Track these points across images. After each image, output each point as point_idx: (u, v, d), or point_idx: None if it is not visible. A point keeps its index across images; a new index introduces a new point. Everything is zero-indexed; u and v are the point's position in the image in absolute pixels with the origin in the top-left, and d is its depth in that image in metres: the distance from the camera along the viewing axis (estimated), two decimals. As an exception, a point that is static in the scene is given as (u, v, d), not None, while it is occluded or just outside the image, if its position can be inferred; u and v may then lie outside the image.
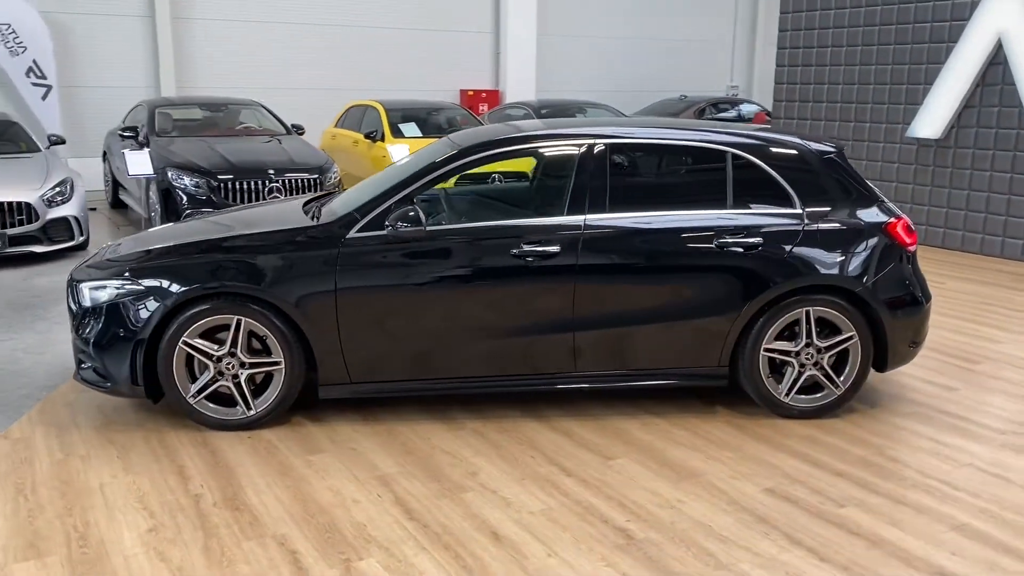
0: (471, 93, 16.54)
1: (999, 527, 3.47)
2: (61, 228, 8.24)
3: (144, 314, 4.12)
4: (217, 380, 4.21)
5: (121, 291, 4.18)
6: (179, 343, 4.14)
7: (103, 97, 13.36)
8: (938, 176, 9.44)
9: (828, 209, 4.49)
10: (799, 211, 4.46)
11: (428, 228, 4.22)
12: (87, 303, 4.25)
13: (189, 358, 4.21)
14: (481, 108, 16.16)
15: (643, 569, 3.13)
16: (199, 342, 4.17)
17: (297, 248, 4.22)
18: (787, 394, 4.49)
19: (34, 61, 12.77)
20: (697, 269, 4.36)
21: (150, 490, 3.66)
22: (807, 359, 4.46)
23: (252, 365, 4.23)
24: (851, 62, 10.22)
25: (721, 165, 4.51)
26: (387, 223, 4.21)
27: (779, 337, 4.44)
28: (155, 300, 4.12)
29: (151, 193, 9.26)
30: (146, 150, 8.89)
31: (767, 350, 4.43)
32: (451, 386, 4.39)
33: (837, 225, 4.47)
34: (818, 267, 4.40)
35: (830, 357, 4.48)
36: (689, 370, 4.47)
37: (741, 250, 4.35)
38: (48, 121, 13.02)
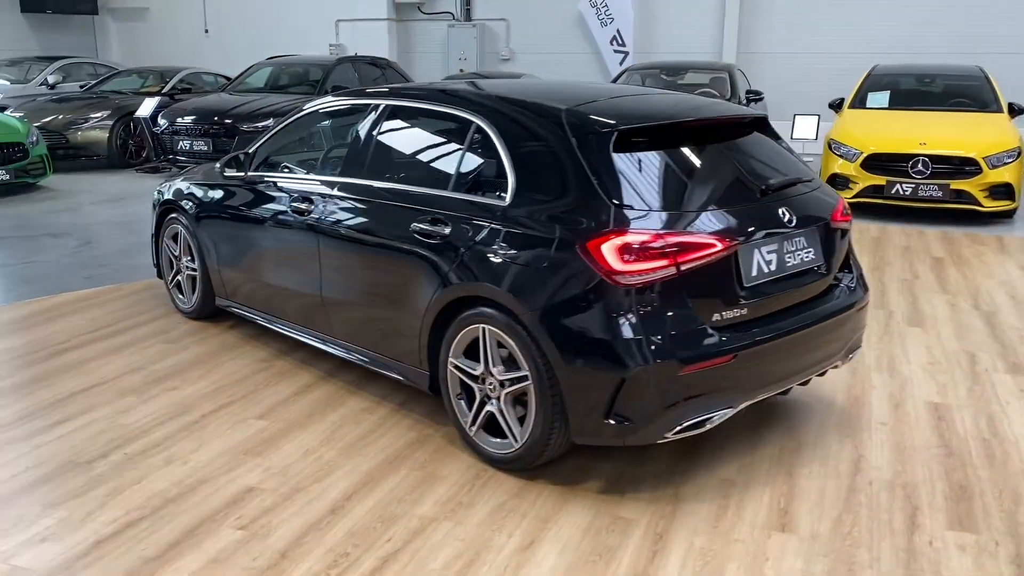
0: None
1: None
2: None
3: (154, 217, 5.66)
4: (179, 274, 5.53)
5: (155, 198, 5.77)
6: (163, 242, 5.58)
7: (669, 62, 14.60)
8: None
9: (537, 206, 3.35)
10: (503, 203, 3.46)
11: (249, 174, 4.72)
12: (158, 207, 5.97)
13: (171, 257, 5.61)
14: None
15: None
16: (170, 243, 5.54)
17: (207, 179, 5.17)
18: (472, 426, 3.62)
19: (618, 31, 14.75)
20: (397, 253, 3.80)
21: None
22: (491, 390, 3.51)
23: (188, 267, 5.40)
24: None
25: (462, 138, 3.75)
26: (221, 164, 4.86)
27: (471, 353, 3.59)
28: (157, 206, 5.61)
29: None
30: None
31: (455, 366, 3.64)
32: (278, 323, 4.79)
33: (527, 229, 3.32)
34: (485, 275, 3.40)
35: (509, 395, 3.43)
36: (400, 365, 3.96)
37: (430, 240, 3.65)
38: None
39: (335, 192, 4.19)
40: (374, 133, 4.18)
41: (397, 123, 4.15)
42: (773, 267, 3.40)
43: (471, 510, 3.25)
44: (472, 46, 15.62)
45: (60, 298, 5.96)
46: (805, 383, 3.74)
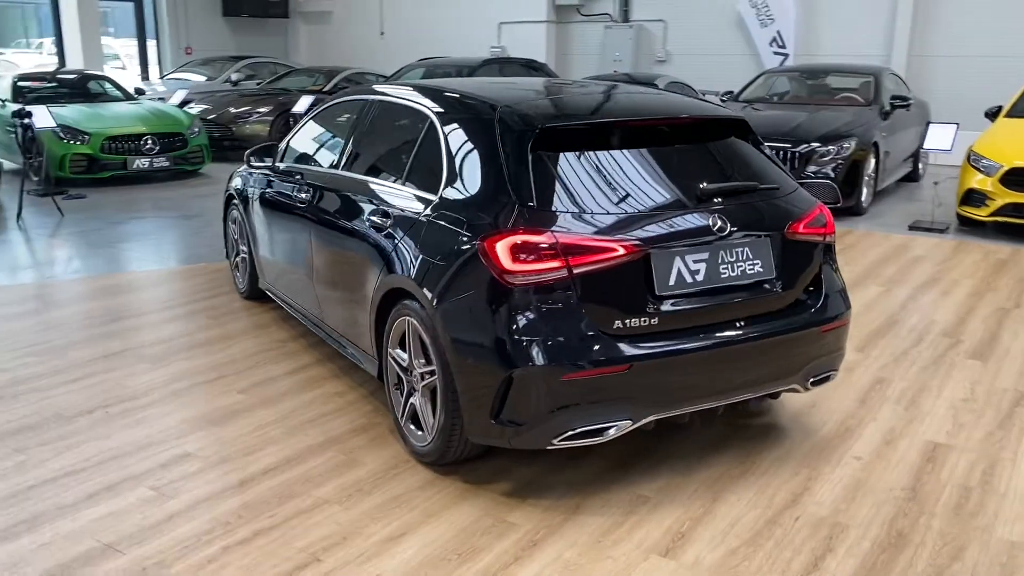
0: None
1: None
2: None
3: (223, 202, 6.12)
4: (237, 256, 5.95)
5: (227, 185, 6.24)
6: (228, 223, 6.04)
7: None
8: None
9: (458, 202, 3.35)
10: (434, 198, 3.48)
11: (277, 165, 5.03)
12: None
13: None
14: None
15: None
16: (232, 228, 5.97)
17: (253, 171, 5.53)
18: (402, 416, 3.67)
19: (778, 32, 14.08)
20: (358, 243, 3.90)
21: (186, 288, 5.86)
22: (415, 382, 3.55)
23: (242, 251, 5.80)
24: None
25: (418, 133, 3.80)
26: (247, 154, 5.20)
27: (403, 344, 3.65)
28: (226, 192, 6.07)
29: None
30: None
31: (392, 356, 3.71)
32: (290, 307, 5.06)
33: (445, 224, 3.33)
34: (406, 268, 3.44)
35: (426, 388, 3.46)
36: (361, 353, 4.06)
37: (378, 231, 3.74)
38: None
39: (322, 184, 4.38)
40: (359, 128, 4.34)
41: (376, 118, 4.27)
42: (700, 277, 3.20)
43: (367, 498, 3.31)
44: (628, 47, 15.44)
45: (150, 272, 6.58)
46: (745, 403, 3.49)
